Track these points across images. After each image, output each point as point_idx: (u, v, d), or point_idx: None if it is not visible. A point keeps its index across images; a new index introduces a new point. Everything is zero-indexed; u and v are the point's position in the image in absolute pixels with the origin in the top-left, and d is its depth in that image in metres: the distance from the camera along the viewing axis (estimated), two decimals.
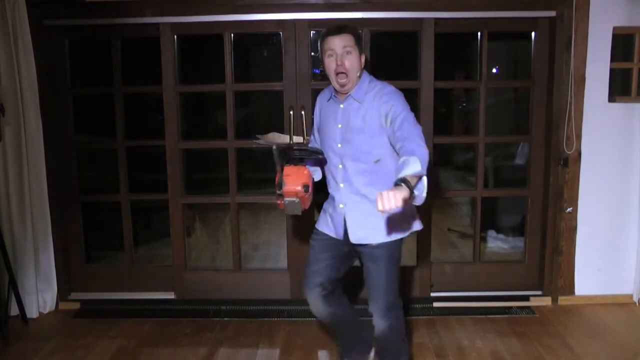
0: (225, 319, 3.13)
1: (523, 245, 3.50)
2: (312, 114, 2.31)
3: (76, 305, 3.31)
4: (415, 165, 1.68)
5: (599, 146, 3.13)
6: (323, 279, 2.14)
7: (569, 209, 3.17)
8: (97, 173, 3.80)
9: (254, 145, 3.15)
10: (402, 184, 1.63)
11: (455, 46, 4.54)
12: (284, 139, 2.28)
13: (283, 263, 3.41)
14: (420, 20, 3.09)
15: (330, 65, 1.99)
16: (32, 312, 3.12)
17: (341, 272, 2.19)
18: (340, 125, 2.05)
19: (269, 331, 2.95)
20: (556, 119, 3.13)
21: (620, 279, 3.24)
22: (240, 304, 3.25)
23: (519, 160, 4.43)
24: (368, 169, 2.02)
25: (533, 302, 3.26)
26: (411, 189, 1.64)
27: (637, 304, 3.21)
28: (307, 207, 2.00)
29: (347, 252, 2.15)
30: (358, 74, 2.02)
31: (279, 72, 3.18)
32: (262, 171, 5.11)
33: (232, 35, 3.15)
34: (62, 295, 3.31)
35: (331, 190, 2.14)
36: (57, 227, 3.24)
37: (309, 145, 2.24)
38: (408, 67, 3.27)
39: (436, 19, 3.08)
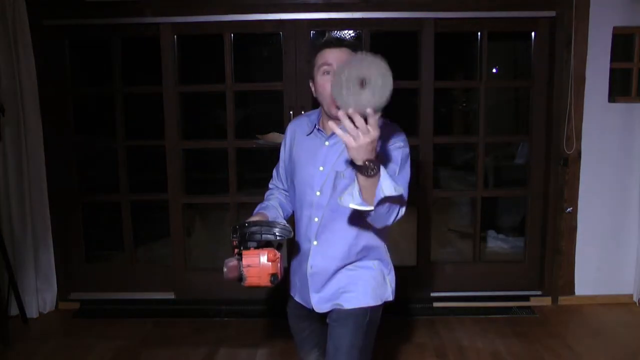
0: (225, 319, 3.13)
1: (523, 245, 3.50)
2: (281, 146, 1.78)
3: (76, 305, 3.31)
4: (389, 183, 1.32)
5: (599, 146, 3.13)
6: (317, 341, 1.78)
7: (569, 209, 3.17)
8: (97, 173, 3.80)
9: (254, 145, 3.15)
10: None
11: (455, 46, 4.53)
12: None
13: (283, 263, 3.40)
14: (420, 20, 3.09)
15: (325, 85, 1.52)
16: (32, 312, 3.12)
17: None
18: (322, 168, 1.58)
19: (269, 331, 2.95)
20: (556, 119, 3.13)
21: (620, 279, 3.24)
22: (240, 304, 3.25)
23: (519, 160, 4.44)
24: (352, 230, 1.59)
25: (533, 302, 3.26)
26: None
27: (637, 304, 3.21)
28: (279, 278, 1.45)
29: (316, 318, 1.73)
30: None
31: (279, 72, 3.19)
32: (262, 171, 5.10)
33: (232, 35, 3.15)
34: (62, 295, 3.31)
35: (301, 244, 1.67)
36: (57, 227, 3.24)
37: (272, 213, 1.69)
38: (408, 67, 3.27)
39: (436, 19, 3.08)
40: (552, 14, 3.07)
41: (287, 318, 1.82)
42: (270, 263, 1.41)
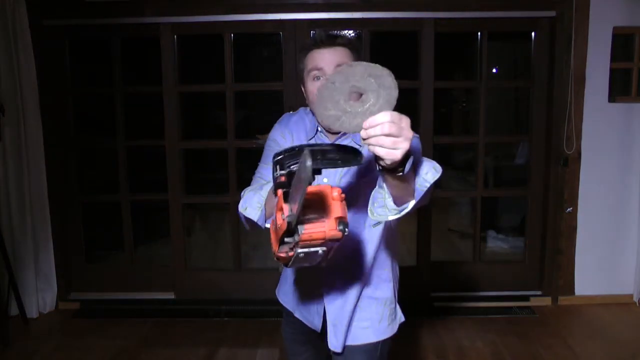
0: (225, 319, 3.13)
1: (523, 245, 3.50)
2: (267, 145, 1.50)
3: (76, 305, 3.31)
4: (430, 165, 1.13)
5: (599, 146, 3.13)
6: None
7: (569, 209, 3.17)
8: (97, 173, 3.80)
9: (254, 145, 3.15)
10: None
11: (455, 46, 4.54)
12: None
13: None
14: (420, 20, 3.09)
15: (314, 88, 1.34)
16: (32, 312, 3.12)
17: None
18: (326, 180, 1.36)
19: (269, 331, 2.95)
20: (556, 119, 3.13)
21: (620, 279, 3.24)
22: (240, 304, 3.25)
23: (519, 160, 4.43)
24: (362, 240, 1.39)
25: (533, 302, 3.26)
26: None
27: (637, 304, 3.21)
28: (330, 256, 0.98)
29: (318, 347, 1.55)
30: None
31: (279, 72, 3.19)
32: None
33: (232, 35, 3.15)
34: (62, 295, 3.31)
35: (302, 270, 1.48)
36: (57, 227, 3.24)
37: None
38: (408, 67, 3.27)
39: (436, 19, 3.08)
40: (552, 14, 3.07)
41: (283, 336, 1.62)
42: (341, 201, 0.92)
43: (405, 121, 0.92)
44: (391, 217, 1.11)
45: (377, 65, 0.95)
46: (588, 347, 2.72)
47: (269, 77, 3.94)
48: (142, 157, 3.87)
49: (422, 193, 1.10)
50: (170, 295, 3.36)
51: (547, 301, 3.27)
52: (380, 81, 0.95)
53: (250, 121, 5.43)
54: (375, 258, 1.42)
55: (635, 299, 3.23)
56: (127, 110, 3.30)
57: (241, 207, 1.34)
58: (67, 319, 3.17)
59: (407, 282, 3.28)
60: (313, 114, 1.41)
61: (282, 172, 0.97)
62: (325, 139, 1.40)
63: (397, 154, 0.92)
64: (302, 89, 1.41)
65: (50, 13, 3.09)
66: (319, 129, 1.41)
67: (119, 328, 3.02)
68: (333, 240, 0.91)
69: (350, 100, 0.96)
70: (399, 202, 1.09)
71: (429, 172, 1.11)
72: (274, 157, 0.96)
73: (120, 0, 3.07)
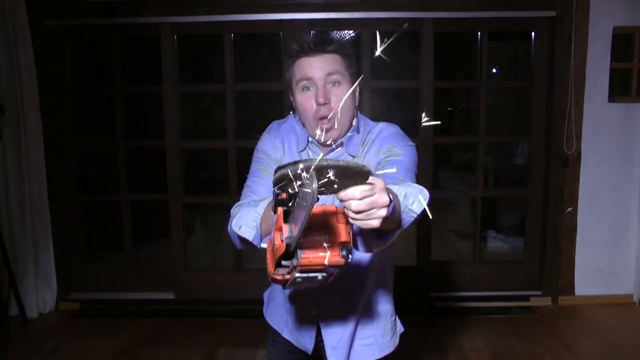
0: (225, 319, 3.13)
1: (523, 245, 3.50)
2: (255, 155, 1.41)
3: (76, 305, 3.31)
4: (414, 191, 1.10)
5: (599, 146, 3.13)
6: None
7: (569, 209, 3.17)
8: (97, 173, 3.79)
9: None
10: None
11: (455, 46, 4.54)
12: None
13: None
14: (420, 20, 3.09)
15: (307, 104, 1.25)
16: (32, 312, 3.12)
17: None
18: (323, 189, 1.10)
19: (269, 331, 2.95)
20: (556, 119, 3.13)
21: (620, 279, 3.24)
22: (240, 304, 3.25)
23: (519, 160, 4.43)
24: (360, 263, 1.32)
25: (533, 302, 3.26)
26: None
27: (637, 304, 3.21)
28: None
29: None
30: (354, 118, 1.31)
31: (279, 72, 3.18)
32: None
33: (232, 35, 3.15)
34: (62, 295, 3.31)
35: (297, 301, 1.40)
36: (57, 227, 3.24)
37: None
38: (408, 67, 3.27)
39: (436, 19, 3.08)
40: (552, 14, 3.07)
41: (267, 356, 1.53)
42: (345, 225, 0.90)
43: (378, 188, 0.84)
44: (376, 249, 1.08)
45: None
46: (588, 347, 2.72)
47: (269, 77, 3.94)
48: (142, 157, 3.86)
49: (409, 222, 1.07)
50: (170, 295, 3.36)
51: (547, 301, 3.27)
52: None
53: (250, 121, 5.43)
54: (371, 273, 1.35)
55: (635, 299, 3.23)
56: (127, 110, 3.30)
57: (235, 226, 1.21)
58: (67, 319, 3.17)
59: (407, 282, 3.29)
60: (303, 124, 1.33)
61: (284, 189, 0.85)
62: (317, 150, 1.32)
63: (374, 223, 0.86)
64: (291, 99, 1.32)
65: (50, 13, 3.09)
66: (310, 139, 1.33)
67: (119, 328, 3.02)
68: (334, 266, 0.85)
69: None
70: (383, 234, 1.05)
71: (415, 202, 1.06)
72: (275, 171, 0.83)
73: (120, 0, 3.07)
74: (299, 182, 0.80)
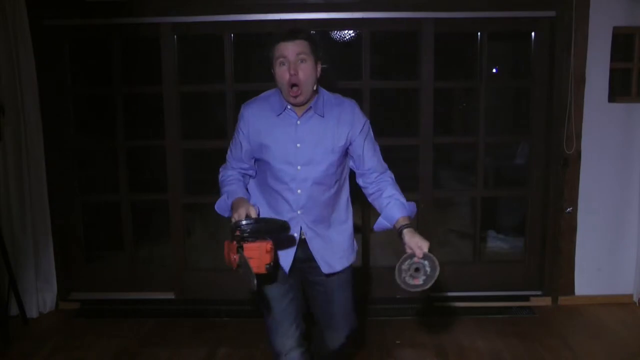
0: (225, 319, 3.13)
1: (523, 245, 3.50)
2: (236, 132, 1.88)
3: (76, 305, 3.31)
4: (404, 210, 1.81)
5: (599, 146, 3.13)
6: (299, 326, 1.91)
7: (569, 209, 3.17)
8: (97, 173, 3.79)
9: None
10: (409, 227, 1.78)
11: (455, 46, 4.53)
12: None
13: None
14: (420, 20, 3.09)
15: (283, 75, 1.73)
16: (32, 312, 3.12)
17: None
18: (299, 145, 1.77)
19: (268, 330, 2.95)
20: (556, 118, 3.13)
21: (620, 279, 3.24)
22: (240, 304, 3.24)
23: (519, 160, 4.43)
24: (331, 193, 1.83)
25: (533, 302, 3.26)
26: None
27: (637, 304, 3.21)
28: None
29: (295, 287, 1.92)
30: (314, 87, 1.78)
31: None
32: None
33: (232, 35, 3.15)
34: (62, 295, 3.31)
35: (282, 213, 1.82)
36: (57, 227, 3.24)
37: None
38: (408, 67, 3.27)
39: (436, 19, 3.08)
40: (552, 14, 3.07)
41: (265, 291, 1.89)
42: (267, 254, 1.57)
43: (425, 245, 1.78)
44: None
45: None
46: (588, 347, 2.72)
47: (269, 77, 3.92)
48: (142, 157, 3.86)
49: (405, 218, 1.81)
50: (170, 295, 3.36)
51: (547, 301, 3.27)
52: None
53: None
54: (336, 208, 1.88)
55: (635, 299, 3.23)
56: (127, 110, 3.30)
57: (217, 207, 1.84)
58: (67, 319, 3.17)
59: None
60: (280, 93, 1.80)
61: (238, 233, 1.57)
62: (293, 114, 1.80)
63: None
64: (272, 72, 1.79)
65: (50, 13, 3.09)
66: (289, 107, 1.79)
67: (119, 328, 3.02)
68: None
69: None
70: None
71: (404, 212, 1.83)
72: (234, 226, 1.59)
73: (120, 0, 3.07)
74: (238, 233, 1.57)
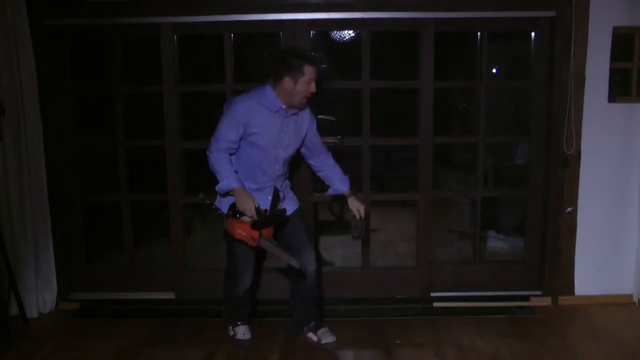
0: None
1: (523, 245, 3.50)
2: (236, 120, 2.48)
3: (76, 305, 3.31)
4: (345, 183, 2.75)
5: (599, 146, 3.13)
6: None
7: (569, 209, 3.17)
8: (97, 173, 3.79)
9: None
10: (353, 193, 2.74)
11: (455, 46, 4.53)
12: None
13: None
14: (420, 20, 3.09)
15: (305, 90, 2.42)
16: (32, 312, 3.12)
17: None
18: (282, 134, 2.52)
19: (269, 331, 2.95)
20: (556, 118, 3.13)
21: (620, 279, 3.24)
22: None
23: (519, 160, 4.43)
24: (289, 164, 2.69)
25: (533, 302, 3.26)
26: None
27: (637, 304, 3.21)
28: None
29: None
30: None
31: None
32: None
33: (232, 35, 3.15)
34: (62, 295, 3.31)
35: (261, 182, 2.56)
36: (57, 227, 3.24)
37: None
38: (408, 67, 3.27)
39: (436, 19, 3.08)
40: (552, 14, 3.07)
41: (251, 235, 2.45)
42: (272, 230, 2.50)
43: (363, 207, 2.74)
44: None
45: None
46: (588, 347, 2.72)
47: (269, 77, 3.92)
48: (142, 157, 3.85)
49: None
50: (170, 295, 3.36)
51: (547, 301, 3.27)
52: None
53: None
54: (287, 176, 2.73)
55: (635, 299, 3.23)
56: (127, 110, 3.30)
57: (216, 170, 2.59)
58: (67, 319, 3.17)
59: (407, 282, 3.29)
60: (273, 94, 2.50)
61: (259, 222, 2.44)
62: (283, 112, 2.50)
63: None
64: (287, 79, 2.43)
65: (50, 13, 3.09)
66: (283, 106, 2.48)
67: (119, 328, 3.02)
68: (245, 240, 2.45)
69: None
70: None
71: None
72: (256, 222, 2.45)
73: (120, 0, 3.07)
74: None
